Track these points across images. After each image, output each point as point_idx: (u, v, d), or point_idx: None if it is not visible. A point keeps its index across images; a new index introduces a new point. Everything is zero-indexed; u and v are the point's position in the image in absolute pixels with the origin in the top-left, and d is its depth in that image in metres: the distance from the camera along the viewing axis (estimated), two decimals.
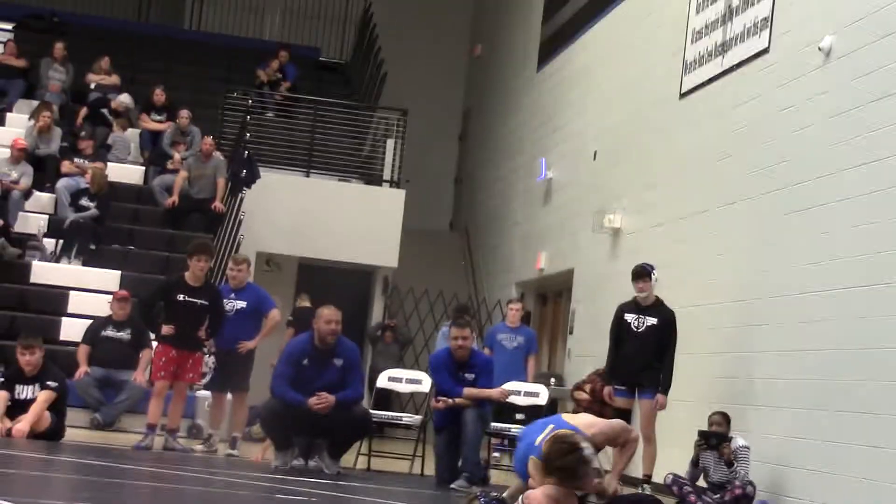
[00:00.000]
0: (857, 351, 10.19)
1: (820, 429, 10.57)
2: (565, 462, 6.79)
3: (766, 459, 11.24)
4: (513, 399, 12.67)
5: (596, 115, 17.56)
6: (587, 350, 16.39)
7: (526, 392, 12.75)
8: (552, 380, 16.40)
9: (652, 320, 11.63)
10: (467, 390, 10.84)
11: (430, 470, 11.47)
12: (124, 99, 19.58)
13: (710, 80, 13.67)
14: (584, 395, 12.67)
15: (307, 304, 16.54)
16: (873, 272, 10.08)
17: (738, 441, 11.07)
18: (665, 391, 11.53)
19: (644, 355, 11.52)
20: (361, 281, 21.39)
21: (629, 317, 11.74)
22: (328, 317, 10.76)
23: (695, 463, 10.97)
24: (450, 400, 10.84)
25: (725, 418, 11.35)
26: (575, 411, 13.46)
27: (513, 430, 12.52)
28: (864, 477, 9.85)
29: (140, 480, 9.29)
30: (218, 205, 17.58)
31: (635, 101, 16.02)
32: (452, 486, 10.53)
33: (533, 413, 12.80)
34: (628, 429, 8.21)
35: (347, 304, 15.05)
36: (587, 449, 6.84)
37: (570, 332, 17.50)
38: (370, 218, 19.66)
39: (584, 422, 7.78)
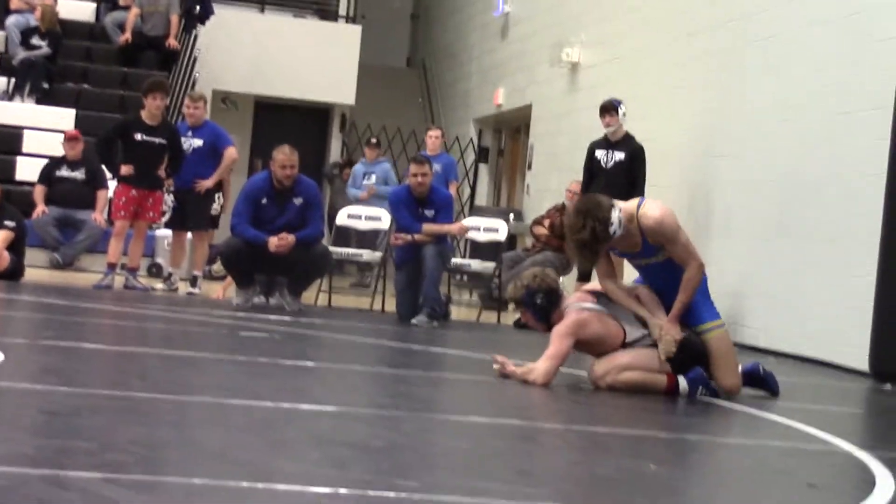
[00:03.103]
0: (814, 180, 10.27)
1: (777, 258, 10.71)
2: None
3: (722, 290, 11.39)
4: (472, 235, 12.73)
5: None
6: (545, 185, 16.45)
7: (485, 228, 12.78)
8: (511, 215, 16.47)
9: (620, 155, 11.59)
10: (426, 226, 10.85)
11: (390, 306, 11.56)
12: None
13: None
14: (542, 230, 12.74)
15: None
16: (832, 101, 10.11)
17: None
18: None
19: (613, 190, 11.50)
20: (319, 118, 21.28)
21: (599, 153, 11.70)
22: (283, 161, 10.67)
23: None
24: (409, 236, 10.86)
25: None
26: (534, 246, 13.55)
27: (472, 265, 12.61)
28: (817, 305, 10.03)
29: (101, 319, 9.32)
30: (172, 41, 17.30)
31: None
32: (413, 321, 10.62)
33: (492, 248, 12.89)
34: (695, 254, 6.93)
35: (305, 142, 15.00)
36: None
37: (529, 168, 17.53)
38: (327, 54, 19.48)
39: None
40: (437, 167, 14.71)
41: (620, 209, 6.75)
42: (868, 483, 4.58)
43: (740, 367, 7.14)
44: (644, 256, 6.94)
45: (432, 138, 14.55)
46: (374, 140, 15.96)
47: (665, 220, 6.83)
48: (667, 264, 6.89)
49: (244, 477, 3.75)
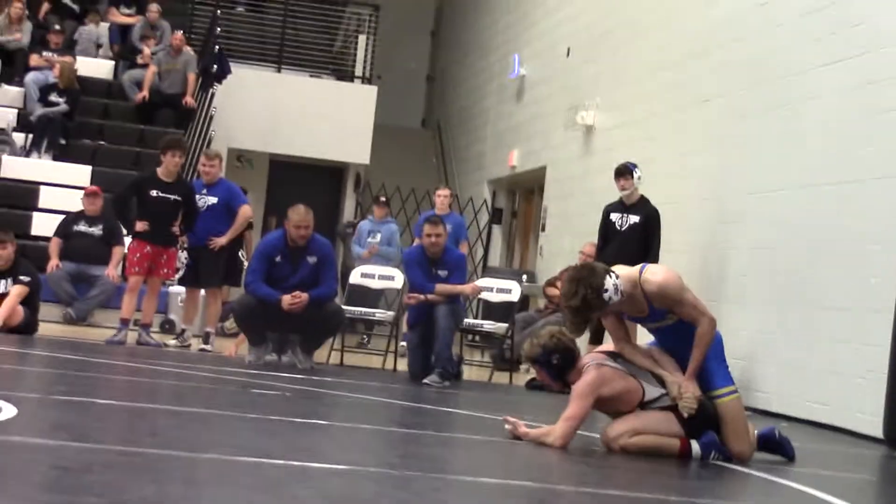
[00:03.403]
0: (826, 248, 10.27)
1: (790, 323, 10.69)
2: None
3: (735, 355, 11.35)
4: (485, 296, 12.72)
5: (570, 11, 17.44)
6: (559, 247, 16.47)
7: (498, 289, 12.78)
8: (524, 277, 16.48)
9: (635, 218, 11.61)
10: (439, 286, 10.86)
11: (402, 366, 11.55)
12: None
13: None
14: (556, 292, 12.73)
15: None
16: (844, 170, 10.13)
17: None
18: None
19: (626, 254, 11.50)
20: (333, 177, 21.36)
21: (614, 216, 11.72)
22: (297, 222, 10.72)
23: None
24: (422, 296, 10.87)
25: None
26: (546, 308, 13.56)
27: (485, 326, 12.60)
28: (830, 371, 9.99)
29: (114, 374, 9.32)
30: (189, 100, 17.45)
31: None
32: (425, 381, 10.60)
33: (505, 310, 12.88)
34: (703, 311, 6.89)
35: (319, 201, 15.06)
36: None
37: (543, 230, 17.56)
38: (342, 114, 19.59)
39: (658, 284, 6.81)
40: (447, 227, 14.74)
41: (619, 276, 6.73)
42: None
43: (756, 432, 7.11)
44: (653, 320, 6.93)
45: (441, 197, 14.55)
46: (382, 199, 15.95)
47: (668, 284, 6.81)
48: (678, 326, 6.88)
49: None
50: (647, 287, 6.76)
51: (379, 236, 15.14)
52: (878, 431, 9.03)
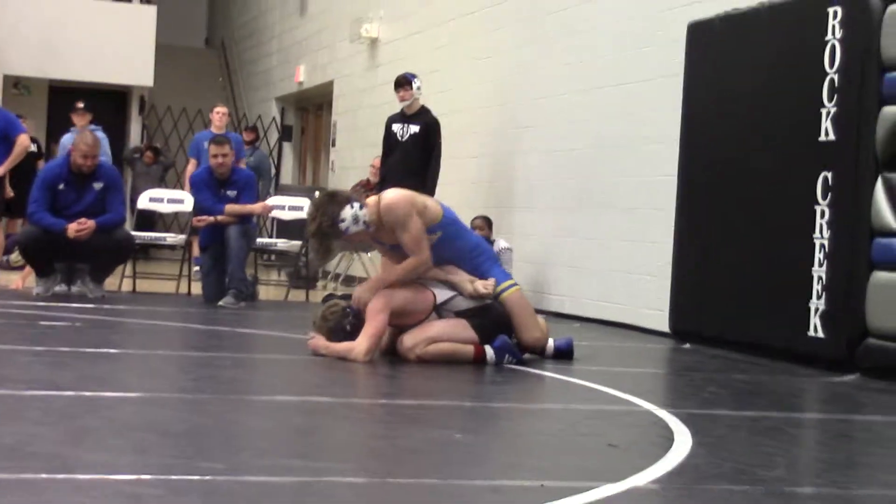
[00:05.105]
0: (612, 149, 10.47)
1: (580, 227, 10.90)
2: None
3: (527, 260, 11.57)
4: (276, 214, 12.65)
5: None
6: (350, 161, 16.44)
7: (290, 206, 12.71)
8: (316, 193, 16.41)
9: (415, 128, 11.65)
10: (229, 207, 10.73)
11: (197, 290, 11.42)
12: None
13: None
14: None
15: None
16: (629, 70, 10.31)
17: (501, 243, 11.32)
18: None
19: (408, 164, 11.54)
20: (117, 101, 20.84)
21: (395, 126, 11.75)
22: (84, 151, 10.40)
23: None
24: (211, 218, 10.73)
25: (487, 222, 11.57)
26: None
27: (278, 244, 12.52)
28: (618, 270, 10.24)
29: None
30: None
31: None
32: (220, 303, 10.51)
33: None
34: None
35: (103, 126, 14.66)
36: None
37: (333, 145, 17.49)
38: (122, 36, 19.12)
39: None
40: None
41: (364, 205, 6.77)
42: (667, 439, 4.70)
43: (553, 342, 7.34)
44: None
45: (218, 115, 14.16)
46: (80, 105, 15.15)
47: (397, 204, 6.88)
48: (443, 241, 6.99)
49: (43, 469, 3.66)
50: (381, 209, 6.85)
51: None
52: (664, 326, 9.32)
